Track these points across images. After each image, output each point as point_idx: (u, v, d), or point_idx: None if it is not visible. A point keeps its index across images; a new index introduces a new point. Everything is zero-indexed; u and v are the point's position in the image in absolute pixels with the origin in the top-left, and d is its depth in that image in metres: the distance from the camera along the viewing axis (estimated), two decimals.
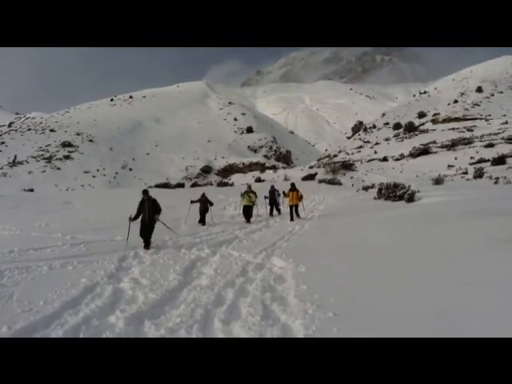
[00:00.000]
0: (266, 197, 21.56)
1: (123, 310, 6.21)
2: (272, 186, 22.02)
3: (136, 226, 12.40)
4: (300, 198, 19.61)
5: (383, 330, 4.81)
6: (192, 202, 19.34)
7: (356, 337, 4.58)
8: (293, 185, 20.07)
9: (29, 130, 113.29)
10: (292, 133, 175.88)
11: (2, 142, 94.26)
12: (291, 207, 19.36)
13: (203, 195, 19.93)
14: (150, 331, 5.41)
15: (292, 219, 18.75)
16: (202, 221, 18.60)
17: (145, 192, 12.93)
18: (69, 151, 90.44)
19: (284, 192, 20.35)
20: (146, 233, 12.18)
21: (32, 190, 45.54)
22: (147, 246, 11.93)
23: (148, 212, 12.42)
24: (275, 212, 21.86)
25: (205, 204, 19.10)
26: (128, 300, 6.78)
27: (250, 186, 23.81)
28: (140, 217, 12.54)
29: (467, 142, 66.39)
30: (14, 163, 77.84)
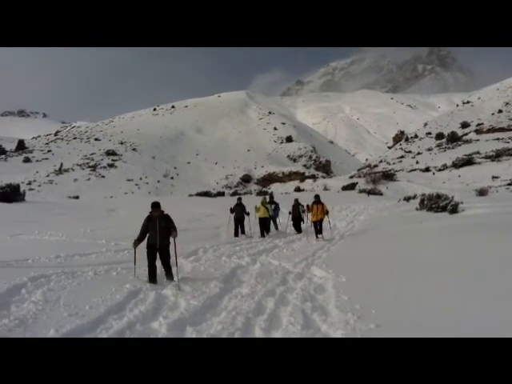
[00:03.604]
0: (290, 212, 19.42)
1: (166, 316, 6.31)
2: (296, 200, 19.82)
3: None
4: (326, 212, 17.00)
5: None
6: (232, 210, 17.93)
7: (359, 337, 4.56)
8: (317, 197, 17.36)
9: (74, 138, 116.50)
10: (332, 142, 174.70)
11: (49, 151, 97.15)
12: (315, 223, 16.80)
13: (239, 199, 19.01)
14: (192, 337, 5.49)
15: (317, 237, 16.46)
16: (238, 231, 17.44)
17: (155, 205, 9.13)
18: (113, 159, 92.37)
19: (308, 206, 17.65)
20: (153, 261, 8.95)
21: (77, 198, 46.62)
22: (153, 279, 8.74)
23: (160, 234, 8.96)
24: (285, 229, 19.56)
25: (240, 209, 17.78)
26: (170, 306, 6.89)
27: (272, 196, 23.10)
28: (146, 239, 9.16)
29: None
30: (60, 171, 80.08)
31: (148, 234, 9.11)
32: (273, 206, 20.09)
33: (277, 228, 20.05)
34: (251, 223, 18.05)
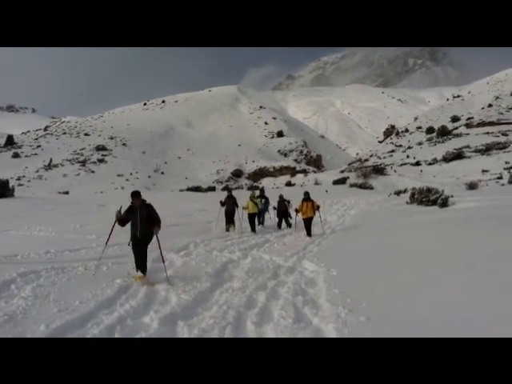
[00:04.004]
0: (274, 207, 19.29)
1: (157, 310, 6.29)
2: (281, 196, 19.51)
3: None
4: (317, 208, 16.20)
5: (416, 335, 4.75)
6: (222, 203, 17.70)
7: (358, 337, 4.59)
8: (307, 194, 16.66)
9: (64, 133, 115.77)
10: (323, 137, 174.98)
11: (38, 146, 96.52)
12: (305, 221, 16.10)
13: (229, 191, 18.80)
14: (184, 332, 5.47)
15: (309, 234, 15.67)
16: (230, 223, 17.14)
17: (136, 195, 8.74)
18: (103, 155, 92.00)
19: (296, 210, 16.65)
20: (140, 256, 8.59)
21: (67, 193, 46.45)
22: (143, 270, 8.43)
23: (141, 224, 8.55)
24: (284, 225, 19.14)
25: (231, 201, 17.48)
26: (161, 301, 6.87)
27: (262, 190, 22.54)
28: (128, 225, 8.79)
29: (502, 146, 64.94)
30: (49, 166, 79.59)
31: (130, 226, 8.72)
32: (263, 201, 19.72)
33: (262, 223, 19.55)
34: (241, 219, 17.77)
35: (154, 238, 8.72)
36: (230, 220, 17.33)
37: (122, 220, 8.73)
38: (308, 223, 15.97)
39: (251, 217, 17.70)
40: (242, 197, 21.31)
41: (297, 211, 16.65)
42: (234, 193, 19.97)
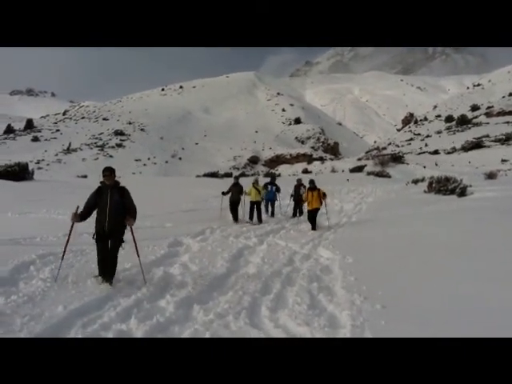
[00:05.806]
0: (292, 194, 17.74)
1: (173, 294, 6.35)
2: (298, 180, 18.06)
3: None
4: (323, 195, 14.51)
5: (431, 325, 4.75)
6: (223, 193, 16.41)
7: (360, 337, 4.58)
8: (312, 182, 14.87)
9: (82, 118, 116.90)
10: (340, 124, 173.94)
11: (57, 130, 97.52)
12: (310, 213, 14.32)
13: (236, 178, 17.49)
14: (199, 316, 5.52)
15: (314, 228, 13.97)
16: (235, 216, 15.78)
17: (108, 170, 6.96)
18: (121, 139, 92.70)
19: (301, 197, 15.73)
20: (106, 253, 6.89)
21: (85, 177, 46.82)
22: (109, 278, 6.62)
23: (110, 213, 6.84)
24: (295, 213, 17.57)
25: (237, 190, 16.13)
26: (178, 285, 6.92)
27: (273, 177, 20.56)
28: (92, 216, 7.10)
29: None
30: (68, 150, 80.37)
31: (96, 214, 7.01)
32: (273, 188, 18.14)
33: (273, 214, 17.95)
34: (243, 206, 16.50)
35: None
36: (234, 210, 15.98)
37: (82, 214, 7.05)
38: (313, 216, 14.30)
39: (252, 205, 16.20)
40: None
41: (302, 199, 15.66)
42: (249, 179, 19.30)
